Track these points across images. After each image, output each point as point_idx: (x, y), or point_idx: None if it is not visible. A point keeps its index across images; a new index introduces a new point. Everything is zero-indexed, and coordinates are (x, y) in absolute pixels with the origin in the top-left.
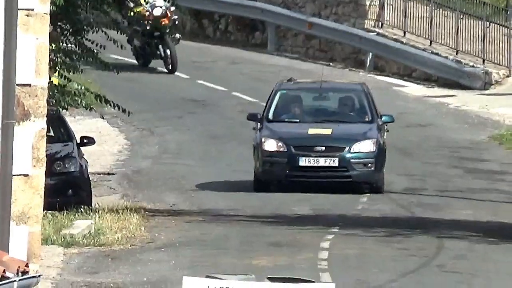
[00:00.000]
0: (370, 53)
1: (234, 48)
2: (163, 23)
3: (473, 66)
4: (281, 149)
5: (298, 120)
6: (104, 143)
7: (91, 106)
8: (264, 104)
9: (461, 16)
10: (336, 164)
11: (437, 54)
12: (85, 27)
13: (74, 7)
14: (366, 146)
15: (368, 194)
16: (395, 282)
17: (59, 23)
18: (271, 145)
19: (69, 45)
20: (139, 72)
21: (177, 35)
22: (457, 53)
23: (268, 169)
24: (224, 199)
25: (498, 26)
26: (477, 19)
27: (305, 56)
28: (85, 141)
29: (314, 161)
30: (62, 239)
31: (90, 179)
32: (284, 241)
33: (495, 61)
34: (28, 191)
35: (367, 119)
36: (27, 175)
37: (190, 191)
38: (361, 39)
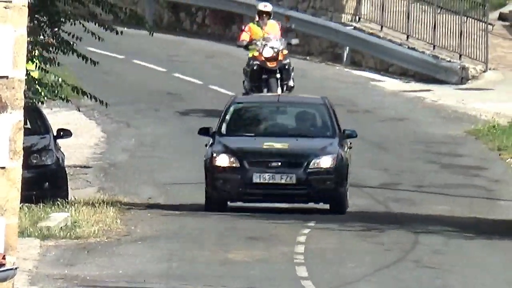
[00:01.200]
0: (347, 47)
1: (211, 41)
2: (270, 65)
3: (450, 61)
4: (234, 165)
5: (253, 134)
6: (80, 136)
7: (68, 98)
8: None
9: (438, 11)
10: (293, 181)
11: (414, 49)
12: (62, 19)
13: None
14: (326, 162)
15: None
16: (371, 276)
17: (36, 15)
18: (223, 160)
19: (46, 37)
20: (116, 65)
21: (291, 83)
22: (434, 48)
23: (220, 187)
24: (200, 193)
25: (475, 21)
26: (455, 14)
27: None
28: (61, 133)
29: (269, 177)
30: (39, 232)
31: (67, 171)
32: (261, 235)
33: (472, 56)
34: (5, 183)
35: (327, 134)
36: (4, 167)
37: (166, 185)
38: (338, 33)
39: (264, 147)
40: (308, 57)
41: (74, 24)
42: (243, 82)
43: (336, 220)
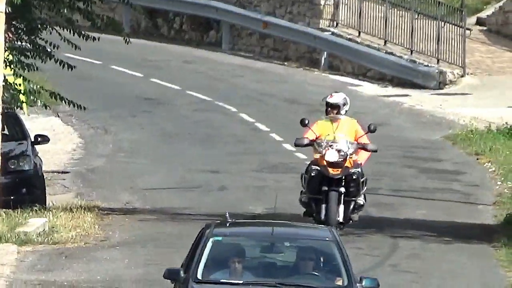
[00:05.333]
0: (325, 53)
1: (188, 47)
2: (333, 173)
3: (427, 66)
4: None
5: (240, 282)
6: (58, 142)
7: (46, 104)
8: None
9: (416, 16)
10: None
11: (391, 53)
12: (39, 26)
13: (29, 6)
14: None
15: None
16: None
17: (13, 22)
18: None
19: (23, 43)
20: (93, 71)
21: (360, 201)
22: (411, 53)
23: None
24: (177, 198)
25: (453, 26)
26: (432, 19)
27: (260, 55)
28: (39, 139)
29: None
30: (16, 237)
31: (44, 177)
32: None
33: (450, 61)
34: None
35: (339, 283)
36: None
37: (144, 190)
38: (316, 38)
39: None
40: (285, 63)
41: (51, 32)
42: (301, 192)
43: None
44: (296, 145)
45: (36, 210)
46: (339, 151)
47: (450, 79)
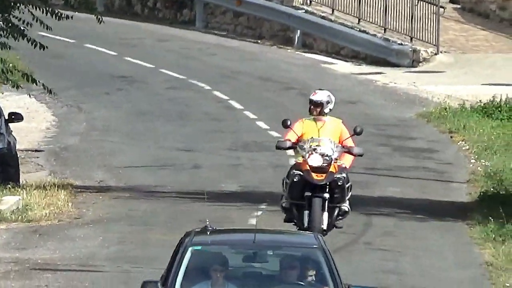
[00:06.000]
0: (298, 31)
1: (162, 26)
2: (317, 178)
3: (401, 44)
4: None
5: None
6: (32, 120)
7: (18, 84)
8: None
9: None
10: None
11: (365, 31)
12: (12, 4)
13: None
14: None
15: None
16: None
17: None
18: None
19: None
20: (67, 49)
21: (344, 207)
22: (385, 31)
23: None
24: (151, 176)
25: (427, 4)
26: None
27: (234, 34)
28: (13, 117)
29: None
30: None
31: (18, 155)
32: (212, 218)
33: (423, 39)
34: None
35: None
36: None
37: (117, 168)
38: (290, 16)
39: None
40: (259, 41)
41: (23, 12)
42: (281, 197)
43: None
44: (277, 148)
45: (9, 188)
46: (323, 155)
47: (423, 57)
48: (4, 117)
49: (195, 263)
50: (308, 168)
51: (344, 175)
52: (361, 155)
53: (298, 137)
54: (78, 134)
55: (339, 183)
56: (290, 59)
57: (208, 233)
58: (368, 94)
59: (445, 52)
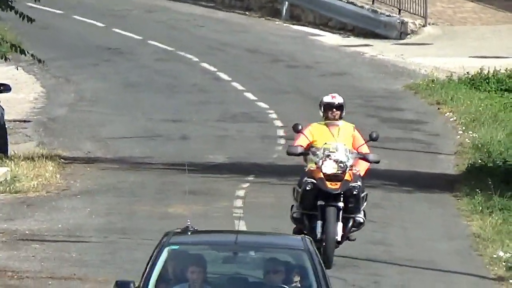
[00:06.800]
0: (286, 2)
1: None
2: (331, 187)
3: (389, 16)
4: None
5: None
6: (20, 91)
7: (7, 56)
8: (180, 53)
9: None
10: None
11: (352, 3)
12: None
13: None
14: None
15: (284, 142)
16: None
17: None
18: None
19: None
20: (55, 20)
21: (359, 218)
22: (373, 3)
23: None
24: (139, 147)
25: None
26: None
27: (221, 5)
28: (1, 88)
29: None
30: None
31: (6, 126)
32: (200, 189)
33: (411, 11)
34: None
35: None
36: None
37: (105, 139)
38: None
39: None
40: (247, 12)
41: None
42: (291, 207)
43: (275, 174)
44: (288, 153)
45: None
46: (337, 162)
47: (411, 29)
48: None
49: (172, 264)
50: (322, 175)
51: (359, 183)
52: (377, 162)
53: (310, 142)
54: (66, 105)
55: (354, 192)
56: (278, 31)
57: (189, 233)
58: (356, 66)
59: (433, 24)
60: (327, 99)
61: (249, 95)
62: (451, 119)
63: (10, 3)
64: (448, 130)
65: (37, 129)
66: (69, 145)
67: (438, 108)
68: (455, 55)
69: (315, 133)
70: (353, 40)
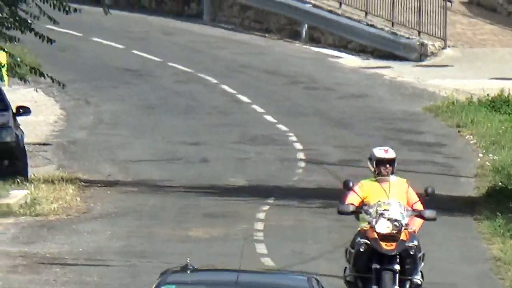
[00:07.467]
0: (305, 24)
1: (169, 19)
2: (386, 248)
3: (408, 38)
4: None
5: None
6: (39, 113)
7: (26, 78)
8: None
9: None
10: None
11: (372, 25)
12: None
13: None
14: None
15: (304, 165)
16: (330, 253)
17: None
18: None
19: (4, 15)
20: (75, 42)
21: (417, 279)
22: (392, 25)
23: None
24: (159, 170)
25: None
26: None
27: (241, 27)
28: (21, 110)
29: None
30: None
31: (26, 149)
32: (220, 212)
33: (431, 33)
34: None
35: None
36: None
37: (125, 162)
38: (297, 10)
39: None
40: (266, 35)
41: (31, 6)
42: (344, 269)
43: (296, 197)
44: (339, 212)
45: (18, 182)
46: (392, 220)
47: (431, 51)
48: (12, 111)
49: None
50: (376, 236)
51: (416, 242)
52: (434, 219)
53: (362, 200)
54: (86, 127)
55: (411, 253)
56: (298, 52)
57: (188, 271)
58: (375, 88)
59: (452, 46)
60: (379, 153)
61: (269, 117)
62: (471, 142)
63: (29, 25)
64: (468, 152)
65: (57, 152)
66: (89, 168)
67: (458, 131)
68: (475, 77)
69: (366, 190)
70: (372, 62)
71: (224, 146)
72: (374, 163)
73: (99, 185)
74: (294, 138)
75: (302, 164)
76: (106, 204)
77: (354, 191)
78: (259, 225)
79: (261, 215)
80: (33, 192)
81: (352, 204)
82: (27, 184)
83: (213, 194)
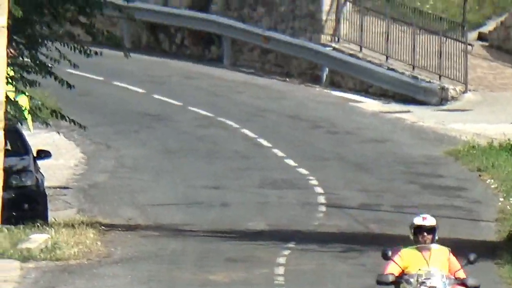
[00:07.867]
0: (326, 68)
1: (190, 63)
2: None
3: (429, 82)
4: None
5: None
6: (60, 157)
7: (47, 122)
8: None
9: (418, 32)
10: None
11: (393, 69)
12: (40, 40)
13: (30, 20)
14: None
15: (325, 209)
16: None
17: (14, 37)
18: None
19: (24, 59)
20: (95, 87)
21: None
22: (413, 69)
23: None
24: (180, 214)
25: (455, 41)
26: (434, 34)
27: (261, 71)
28: (41, 154)
29: None
30: (19, 254)
31: (46, 193)
32: (240, 257)
33: (452, 77)
34: None
35: None
36: None
37: (146, 206)
38: (317, 53)
39: None
40: (287, 79)
41: (51, 50)
42: None
43: (316, 241)
44: (378, 282)
45: (38, 226)
46: None
47: (452, 95)
48: (33, 154)
49: None
50: None
51: None
52: (477, 287)
53: (402, 270)
54: (107, 171)
55: None
56: (318, 97)
57: None
58: (396, 132)
59: (473, 90)
60: (417, 221)
61: (290, 162)
62: (492, 186)
63: (49, 69)
64: (489, 197)
65: (77, 196)
66: (110, 212)
67: (479, 175)
68: (496, 122)
69: (406, 259)
70: (393, 106)
71: (245, 190)
72: (413, 230)
73: (119, 229)
74: (315, 182)
75: (323, 208)
76: (127, 248)
77: (394, 261)
78: (280, 270)
79: (282, 260)
80: (53, 236)
81: (392, 274)
82: (48, 228)
83: (233, 238)
